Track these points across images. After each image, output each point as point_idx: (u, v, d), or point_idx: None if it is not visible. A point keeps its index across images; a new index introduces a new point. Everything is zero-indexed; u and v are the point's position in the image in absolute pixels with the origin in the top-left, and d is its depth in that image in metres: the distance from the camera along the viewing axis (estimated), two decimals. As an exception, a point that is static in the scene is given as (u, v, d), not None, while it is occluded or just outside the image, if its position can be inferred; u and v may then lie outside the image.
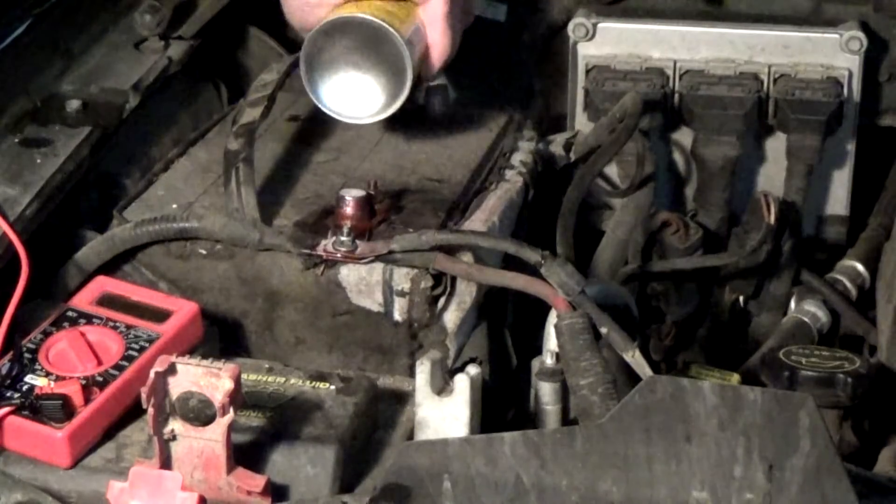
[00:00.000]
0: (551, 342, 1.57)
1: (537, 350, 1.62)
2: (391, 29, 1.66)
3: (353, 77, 1.70)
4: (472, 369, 1.48)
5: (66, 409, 1.39)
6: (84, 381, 1.43)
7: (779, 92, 1.99)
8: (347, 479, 1.39)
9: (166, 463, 1.33)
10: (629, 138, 1.83)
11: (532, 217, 1.81)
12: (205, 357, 1.31)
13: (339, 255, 1.59)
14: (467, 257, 1.59)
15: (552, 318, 1.56)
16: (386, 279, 1.58)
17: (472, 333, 1.64)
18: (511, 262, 1.63)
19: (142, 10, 1.95)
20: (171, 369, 1.30)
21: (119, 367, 1.46)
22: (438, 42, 1.75)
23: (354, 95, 1.71)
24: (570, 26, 2.06)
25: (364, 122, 1.72)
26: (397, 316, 1.59)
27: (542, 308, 1.57)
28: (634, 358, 1.51)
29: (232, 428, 1.32)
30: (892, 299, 1.86)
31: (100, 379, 1.44)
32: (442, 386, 1.46)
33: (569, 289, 1.51)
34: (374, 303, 1.59)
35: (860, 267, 2.02)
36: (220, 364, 1.30)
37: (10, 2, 1.85)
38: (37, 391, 1.42)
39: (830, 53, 2.00)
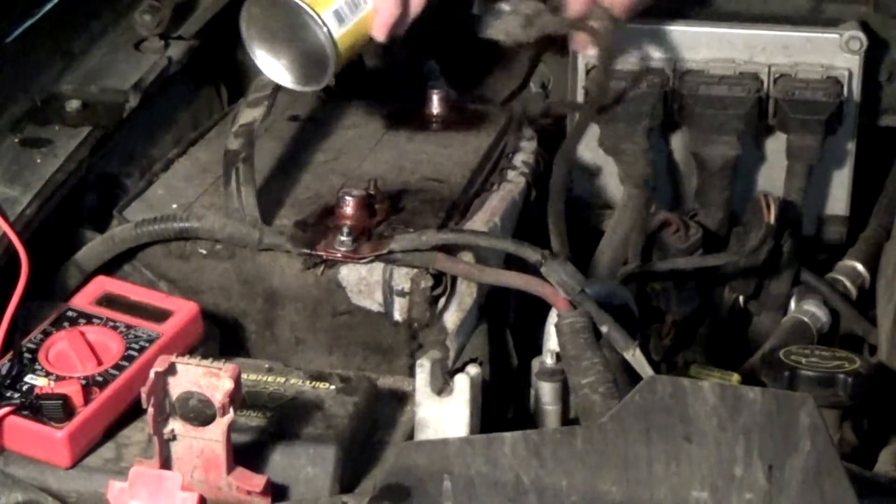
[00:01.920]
0: (551, 342, 1.57)
1: (537, 350, 1.62)
2: (306, 8, 1.66)
3: (285, 47, 1.70)
4: (472, 369, 1.48)
5: (66, 409, 1.39)
6: (84, 381, 1.43)
7: (779, 92, 1.99)
8: (347, 479, 1.39)
9: (166, 463, 1.33)
10: (592, 119, 1.83)
11: (534, 217, 1.80)
12: (205, 357, 1.31)
13: (339, 255, 1.59)
14: (468, 257, 1.60)
15: (552, 318, 1.56)
16: (386, 279, 1.58)
17: (472, 333, 1.64)
18: (512, 262, 1.63)
19: (142, 10, 1.95)
20: (171, 369, 1.30)
21: (119, 367, 1.46)
22: (382, 6, 1.72)
23: (287, 62, 1.70)
24: None
25: (297, 90, 1.72)
26: (397, 316, 1.59)
27: (542, 308, 1.57)
28: (635, 357, 1.51)
29: (232, 428, 1.32)
30: (892, 299, 1.86)
31: (100, 379, 1.44)
32: (442, 386, 1.46)
33: (569, 288, 1.51)
34: (374, 303, 1.59)
35: (860, 267, 2.02)
36: (220, 364, 1.30)
37: (10, 2, 1.85)
38: (37, 391, 1.42)
39: (830, 53, 2.00)
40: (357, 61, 2.15)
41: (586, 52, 1.94)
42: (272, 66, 1.70)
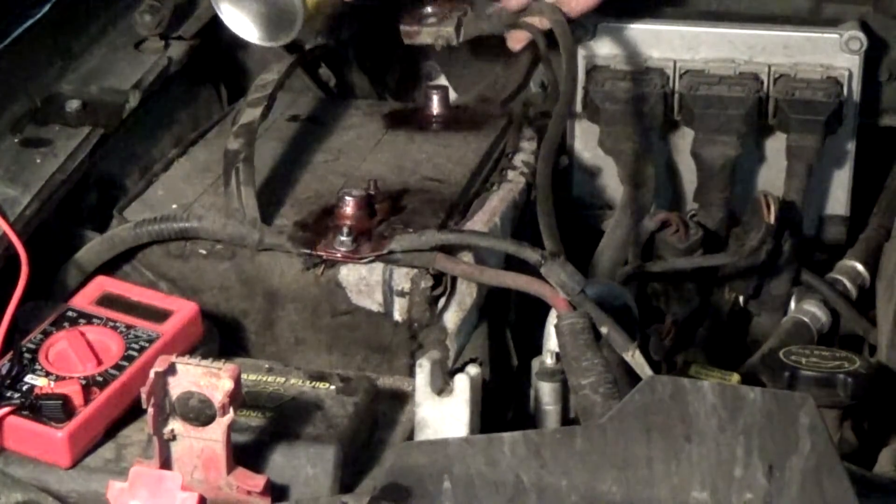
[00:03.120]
0: (551, 342, 1.57)
1: (537, 350, 1.62)
2: None
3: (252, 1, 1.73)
4: (472, 369, 1.48)
5: (66, 409, 1.39)
6: (84, 381, 1.43)
7: (779, 92, 1.99)
8: (347, 479, 1.39)
9: (166, 463, 1.33)
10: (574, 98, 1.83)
11: (534, 217, 1.80)
12: (205, 357, 1.31)
13: (339, 255, 1.59)
14: (468, 257, 1.59)
15: (552, 318, 1.56)
16: (386, 279, 1.58)
17: (472, 333, 1.64)
18: (512, 263, 1.63)
19: (142, 10, 1.95)
20: (171, 369, 1.30)
21: (119, 367, 1.46)
22: None
23: (253, 17, 1.73)
24: (571, 26, 2.05)
25: (262, 45, 1.76)
26: (397, 316, 1.59)
27: (542, 308, 1.57)
28: (634, 358, 1.51)
29: (232, 428, 1.32)
30: (892, 299, 1.86)
31: (100, 379, 1.44)
32: (442, 386, 1.46)
33: (569, 289, 1.51)
34: (374, 303, 1.59)
35: (860, 267, 2.02)
36: (220, 364, 1.30)
37: (10, 2, 1.85)
38: (37, 391, 1.42)
39: (830, 53, 2.00)
40: (357, 62, 2.16)
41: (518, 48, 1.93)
42: (237, 20, 1.72)
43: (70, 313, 1.53)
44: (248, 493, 1.33)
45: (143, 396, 1.29)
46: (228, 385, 1.29)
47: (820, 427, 1.22)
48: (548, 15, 1.87)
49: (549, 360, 1.58)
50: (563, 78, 1.82)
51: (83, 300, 1.56)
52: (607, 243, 1.90)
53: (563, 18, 1.85)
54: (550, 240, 1.62)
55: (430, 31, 1.90)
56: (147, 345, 1.49)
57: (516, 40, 1.92)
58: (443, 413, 1.45)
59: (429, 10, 1.92)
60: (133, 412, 1.44)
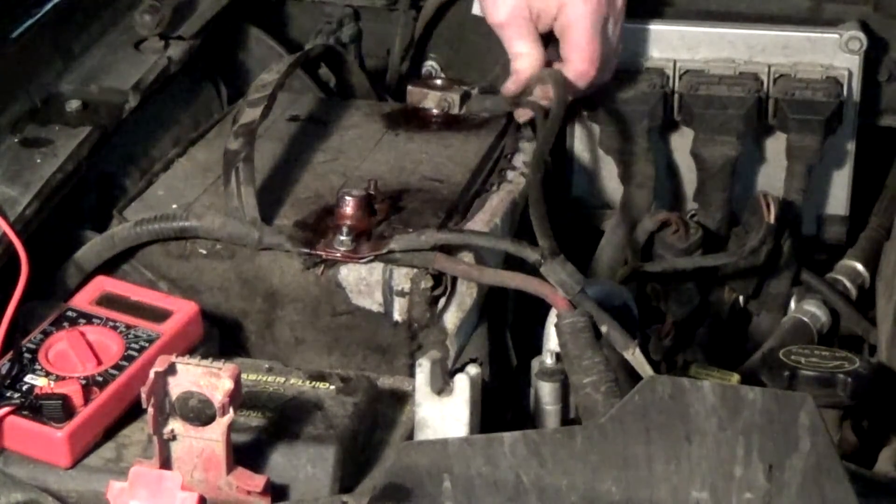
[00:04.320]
0: (551, 342, 1.57)
1: (537, 350, 1.62)
2: None
3: None
4: (472, 369, 1.48)
5: (66, 409, 1.39)
6: (84, 381, 1.43)
7: (779, 92, 1.99)
8: (347, 479, 1.39)
9: (166, 463, 1.33)
10: (565, 115, 1.83)
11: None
12: (205, 357, 1.31)
13: (339, 255, 1.59)
14: (468, 257, 1.59)
15: (552, 318, 1.56)
16: (386, 279, 1.58)
17: (472, 334, 1.64)
18: (512, 263, 1.63)
19: (142, 10, 1.95)
20: (171, 369, 1.30)
21: (119, 367, 1.46)
22: None
23: None
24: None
25: None
26: (397, 316, 1.59)
27: (542, 308, 1.57)
28: (634, 357, 1.51)
29: (232, 428, 1.32)
30: (891, 299, 1.86)
31: (100, 379, 1.44)
32: (442, 386, 1.46)
33: (568, 288, 1.51)
34: (374, 303, 1.59)
35: (860, 267, 2.02)
36: (220, 364, 1.30)
37: (11, 2, 1.85)
38: (37, 391, 1.42)
39: (830, 53, 2.00)
40: (357, 62, 2.16)
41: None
42: None
43: (70, 313, 1.53)
44: (248, 493, 1.33)
45: (143, 396, 1.29)
46: (228, 385, 1.29)
47: (820, 427, 1.22)
48: (549, 80, 1.85)
49: (549, 360, 1.58)
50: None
51: (83, 300, 1.56)
52: (607, 243, 1.90)
53: (563, 81, 1.84)
54: (546, 242, 1.62)
55: (434, 96, 1.93)
56: (147, 345, 1.49)
57: (521, 115, 1.91)
58: (443, 413, 1.45)
59: (437, 81, 1.96)
60: (133, 412, 1.44)
